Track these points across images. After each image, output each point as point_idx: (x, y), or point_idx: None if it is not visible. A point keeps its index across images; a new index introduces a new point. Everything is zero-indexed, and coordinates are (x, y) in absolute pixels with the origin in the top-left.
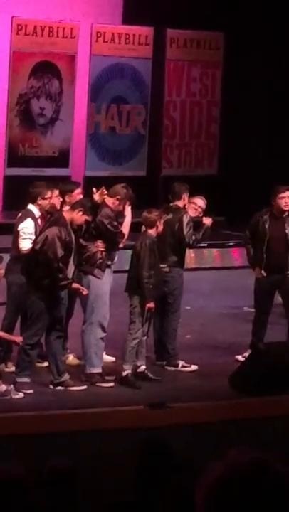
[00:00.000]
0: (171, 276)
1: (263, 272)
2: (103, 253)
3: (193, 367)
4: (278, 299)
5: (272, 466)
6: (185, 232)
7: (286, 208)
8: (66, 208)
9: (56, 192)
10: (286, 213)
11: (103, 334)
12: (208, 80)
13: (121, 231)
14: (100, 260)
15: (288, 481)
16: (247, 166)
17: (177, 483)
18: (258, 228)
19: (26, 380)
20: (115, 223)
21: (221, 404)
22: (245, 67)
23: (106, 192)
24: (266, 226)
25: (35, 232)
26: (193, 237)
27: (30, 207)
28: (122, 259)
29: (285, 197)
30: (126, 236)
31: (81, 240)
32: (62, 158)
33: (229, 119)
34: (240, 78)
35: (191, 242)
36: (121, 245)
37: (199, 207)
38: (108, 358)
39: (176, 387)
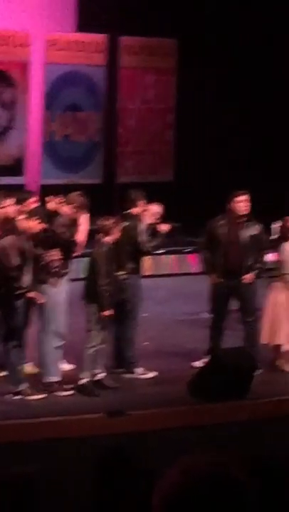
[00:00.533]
0: (128, 284)
1: (219, 277)
2: (59, 262)
3: (152, 374)
4: (234, 304)
5: (228, 471)
6: (142, 239)
7: (243, 213)
8: (22, 216)
9: (11, 201)
10: (242, 219)
11: (60, 343)
12: (163, 86)
13: (77, 239)
14: (56, 269)
15: (244, 485)
16: (202, 172)
17: (137, 490)
18: (214, 234)
19: None
20: (71, 231)
21: (180, 411)
22: (199, 74)
23: (62, 200)
24: (222, 232)
25: None
26: (150, 244)
27: None
28: (79, 267)
29: (242, 201)
30: (82, 244)
31: (37, 249)
32: (16, 167)
33: (184, 126)
34: (194, 84)
35: (148, 249)
36: (77, 253)
37: (155, 214)
38: (66, 367)
39: (135, 394)
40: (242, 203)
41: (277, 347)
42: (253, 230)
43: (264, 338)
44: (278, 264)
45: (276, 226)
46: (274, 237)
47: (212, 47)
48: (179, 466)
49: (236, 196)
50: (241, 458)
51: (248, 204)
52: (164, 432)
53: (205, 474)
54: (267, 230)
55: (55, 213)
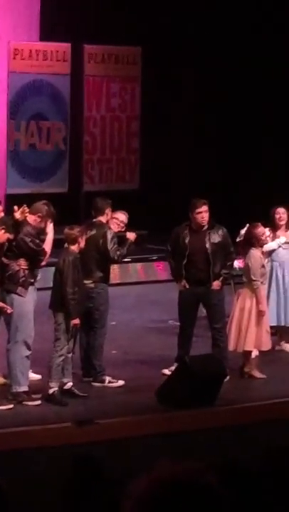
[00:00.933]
0: (96, 292)
1: (186, 284)
2: (26, 271)
3: (120, 382)
4: (202, 311)
5: (197, 478)
6: (110, 247)
7: (203, 223)
8: None
9: None
10: (206, 226)
11: (28, 352)
12: (128, 94)
13: (43, 248)
14: (23, 278)
15: (214, 492)
16: (168, 180)
17: (107, 498)
18: (178, 242)
19: None
20: (37, 241)
21: (149, 418)
22: (164, 81)
23: (27, 209)
24: (186, 240)
25: None
26: (118, 252)
27: None
28: (46, 276)
29: (201, 212)
30: (48, 253)
31: (3, 259)
32: None
33: (149, 134)
34: (159, 92)
35: (116, 257)
36: (44, 263)
37: (121, 222)
38: (34, 376)
39: (104, 403)
40: (200, 214)
41: (246, 353)
42: (217, 236)
43: (232, 345)
44: (245, 271)
45: (243, 232)
46: (240, 238)
47: (176, 54)
48: (148, 474)
49: (196, 207)
50: (210, 465)
51: (206, 214)
52: (133, 439)
53: (174, 481)
54: (232, 235)
55: (21, 223)
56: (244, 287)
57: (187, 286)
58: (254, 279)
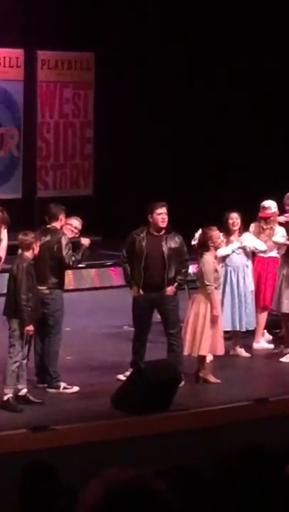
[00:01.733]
0: (51, 298)
1: (140, 290)
2: None
3: (75, 388)
4: (157, 316)
5: (150, 484)
6: (64, 253)
7: (163, 225)
8: None
9: None
10: (163, 231)
11: None
12: (81, 100)
13: None
14: None
15: (166, 497)
16: (121, 186)
17: (61, 504)
18: (134, 247)
19: None
20: None
21: (103, 424)
22: (117, 87)
23: None
24: (143, 244)
25: None
26: (73, 258)
27: None
28: None
29: (162, 213)
30: (2, 259)
31: None
32: None
33: (103, 139)
34: (112, 98)
35: (71, 263)
36: None
37: (75, 227)
38: None
39: (59, 409)
40: (160, 216)
41: (200, 358)
42: (173, 242)
43: (187, 350)
44: (198, 276)
45: (198, 235)
46: (194, 242)
47: (129, 60)
48: (101, 479)
49: (156, 208)
50: (164, 470)
51: (166, 216)
52: (88, 445)
53: (127, 487)
54: (187, 241)
55: None
56: (198, 292)
57: (141, 292)
58: (207, 283)
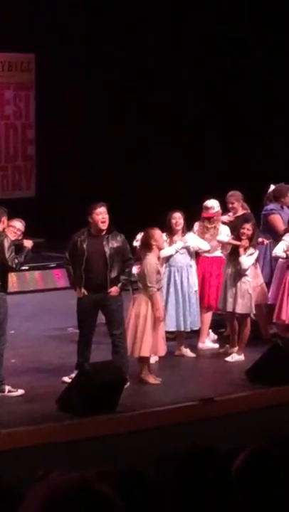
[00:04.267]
0: None
1: (84, 291)
2: None
3: (20, 391)
4: (102, 317)
5: (94, 486)
6: (7, 255)
7: (103, 225)
8: None
9: None
10: (104, 231)
11: None
12: (22, 102)
13: None
14: None
15: (111, 500)
16: (64, 187)
17: (5, 509)
18: (76, 248)
19: None
20: None
21: (50, 427)
22: (58, 88)
23: None
24: (84, 245)
25: None
26: (16, 261)
27: None
28: None
29: (101, 213)
30: None
31: None
32: None
33: (45, 141)
34: (54, 99)
35: (14, 266)
36: None
37: (18, 229)
38: None
39: (4, 412)
40: (100, 216)
41: (141, 359)
42: (115, 241)
43: (129, 351)
44: (140, 277)
45: (140, 236)
46: (136, 244)
47: (70, 60)
48: (45, 482)
49: (95, 208)
50: (109, 472)
51: (106, 216)
52: (33, 449)
53: (71, 490)
54: (129, 241)
55: None
56: (139, 293)
57: (86, 293)
58: (150, 285)
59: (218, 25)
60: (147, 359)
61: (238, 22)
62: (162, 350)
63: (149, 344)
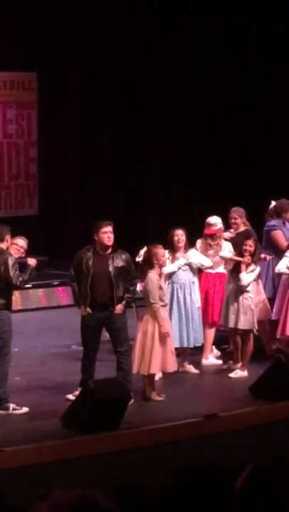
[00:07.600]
0: None
1: (88, 309)
2: None
3: (25, 409)
4: (105, 335)
5: (98, 503)
6: (12, 273)
7: (109, 243)
8: None
9: None
10: (109, 250)
11: None
12: (24, 120)
13: None
14: None
15: None
16: (67, 205)
17: None
18: (81, 266)
19: None
20: None
21: (54, 445)
22: (60, 107)
23: None
24: (90, 263)
25: None
26: (20, 279)
27: None
28: None
29: (107, 232)
30: None
31: None
32: None
33: (47, 159)
34: (55, 117)
35: (18, 284)
36: None
37: (21, 247)
38: None
39: (8, 430)
40: (106, 234)
41: (148, 376)
42: (120, 260)
43: (135, 368)
44: (144, 294)
45: (143, 252)
46: (138, 259)
47: (71, 78)
48: (48, 501)
49: (101, 227)
50: (114, 488)
51: (112, 235)
52: (38, 466)
53: (74, 507)
54: (132, 258)
55: None
56: (146, 311)
57: (90, 311)
58: (152, 302)
59: (214, 36)
60: (154, 376)
61: (236, 32)
62: (171, 366)
63: (158, 361)
